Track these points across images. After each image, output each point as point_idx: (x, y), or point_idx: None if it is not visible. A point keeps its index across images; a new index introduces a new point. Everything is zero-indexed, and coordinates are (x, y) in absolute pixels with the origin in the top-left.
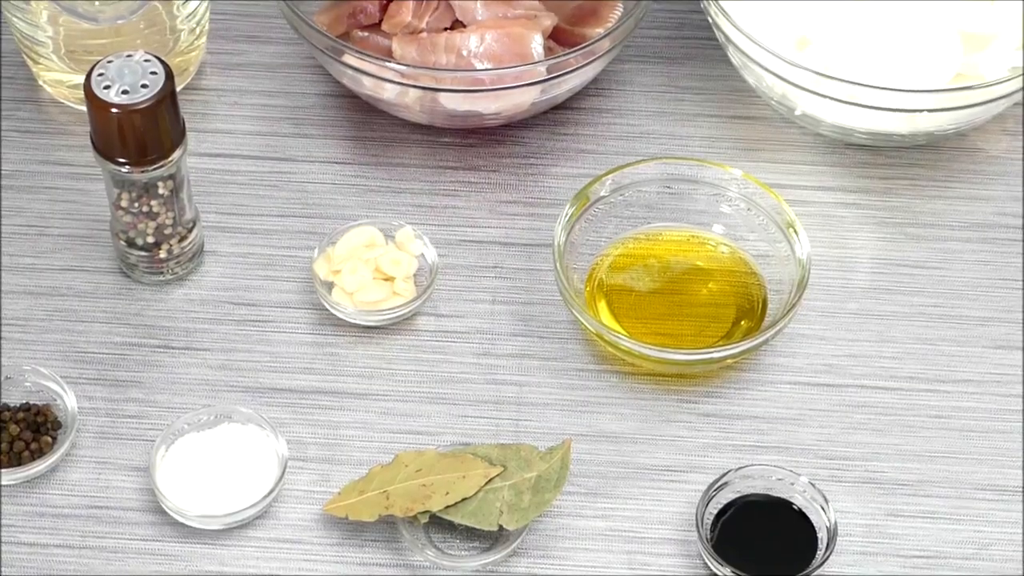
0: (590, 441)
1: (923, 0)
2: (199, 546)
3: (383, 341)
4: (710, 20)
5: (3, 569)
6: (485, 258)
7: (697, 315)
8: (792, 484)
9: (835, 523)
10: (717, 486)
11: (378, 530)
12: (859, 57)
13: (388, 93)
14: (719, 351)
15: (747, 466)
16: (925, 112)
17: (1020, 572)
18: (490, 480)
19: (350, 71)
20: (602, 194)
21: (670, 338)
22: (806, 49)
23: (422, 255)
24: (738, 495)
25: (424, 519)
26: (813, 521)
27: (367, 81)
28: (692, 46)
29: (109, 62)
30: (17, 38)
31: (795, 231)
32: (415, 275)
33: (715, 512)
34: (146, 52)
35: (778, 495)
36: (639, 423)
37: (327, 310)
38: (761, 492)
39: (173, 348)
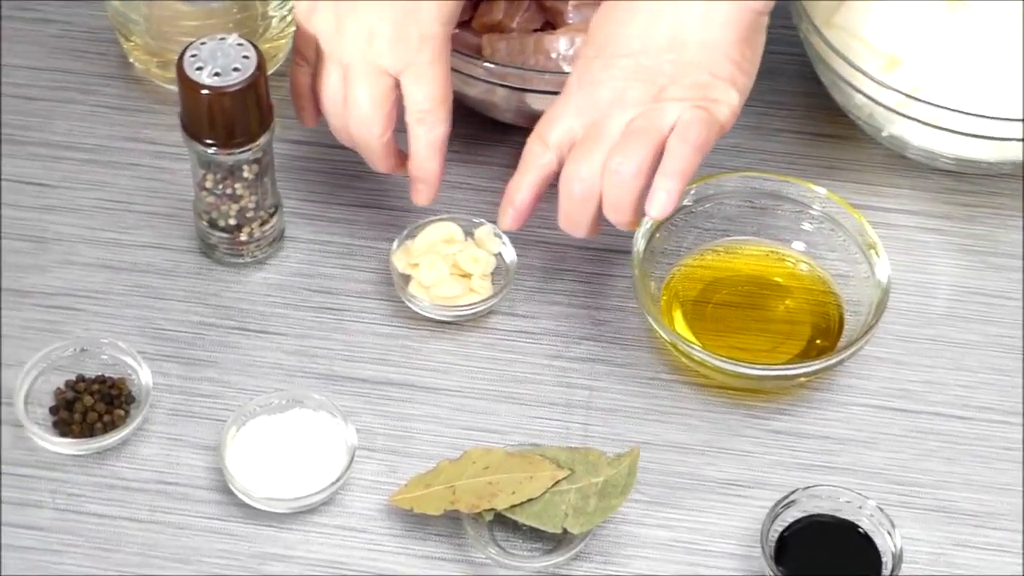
0: (658, 450)
1: (1016, 24)
2: (264, 528)
3: (457, 337)
4: (801, 36)
5: (69, 538)
6: (562, 261)
7: (772, 331)
8: (860, 507)
9: (901, 549)
10: (784, 504)
11: (442, 524)
12: (950, 80)
13: (475, 90)
14: (793, 368)
15: (816, 486)
16: (1014, 141)
17: None
18: (557, 482)
19: None
20: (684, 204)
21: (744, 352)
22: (896, 70)
23: (500, 254)
24: (804, 514)
25: (489, 517)
26: (878, 545)
27: (455, 77)
28: (781, 61)
29: (202, 44)
30: (111, 15)
31: (876, 253)
32: (492, 273)
33: (780, 530)
34: (239, 36)
35: (845, 517)
36: (708, 435)
37: (403, 302)
38: (828, 513)
39: (249, 331)
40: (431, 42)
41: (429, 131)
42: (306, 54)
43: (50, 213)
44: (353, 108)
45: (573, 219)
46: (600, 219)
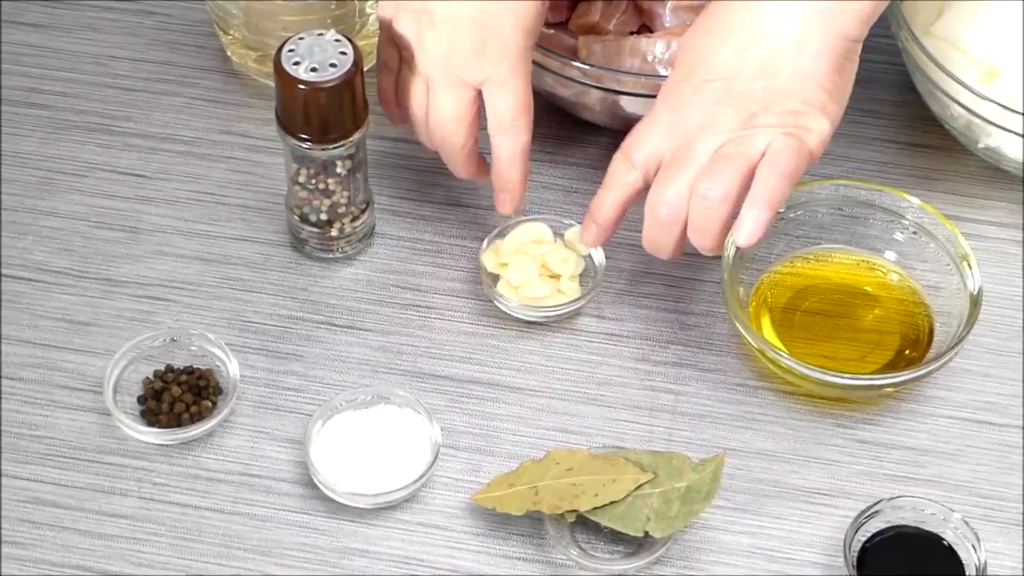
0: (742, 456)
1: None
2: (346, 523)
3: (544, 337)
4: (899, 45)
5: (153, 527)
6: (651, 264)
7: (861, 340)
8: (944, 519)
9: (985, 563)
10: (868, 514)
11: (524, 524)
12: None
13: (569, 91)
14: (881, 379)
15: (900, 497)
16: None
17: None
18: (640, 486)
19: (533, 67)
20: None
21: (832, 361)
22: (995, 81)
23: (589, 256)
24: (888, 525)
25: (571, 518)
26: (962, 558)
27: (549, 78)
28: (877, 69)
29: (300, 39)
30: (210, 9)
31: (968, 264)
32: (580, 275)
33: (863, 540)
34: (337, 32)
35: (929, 529)
36: (793, 443)
37: (491, 302)
38: (912, 524)
39: (336, 326)
40: (511, 54)
41: (511, 141)
42: (389, 63)
43: (145, 204)
44: (436, 118)
45: (657, 242)
46: (684, 242)
